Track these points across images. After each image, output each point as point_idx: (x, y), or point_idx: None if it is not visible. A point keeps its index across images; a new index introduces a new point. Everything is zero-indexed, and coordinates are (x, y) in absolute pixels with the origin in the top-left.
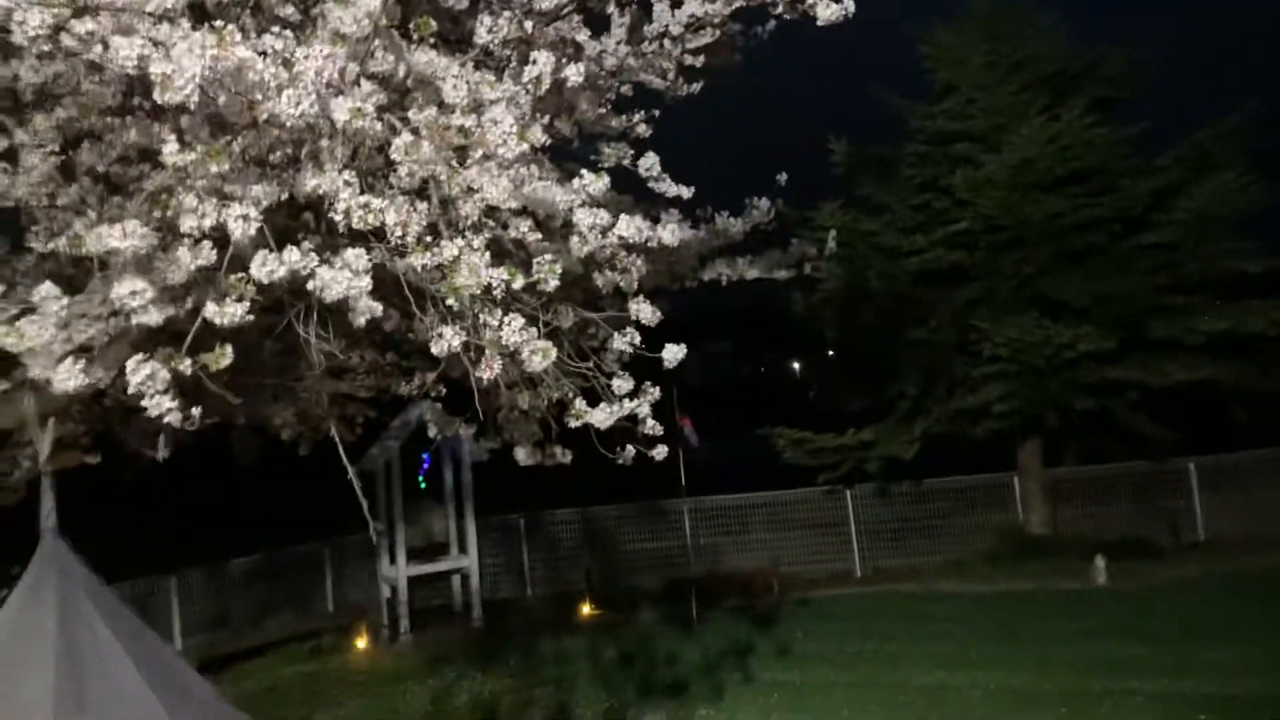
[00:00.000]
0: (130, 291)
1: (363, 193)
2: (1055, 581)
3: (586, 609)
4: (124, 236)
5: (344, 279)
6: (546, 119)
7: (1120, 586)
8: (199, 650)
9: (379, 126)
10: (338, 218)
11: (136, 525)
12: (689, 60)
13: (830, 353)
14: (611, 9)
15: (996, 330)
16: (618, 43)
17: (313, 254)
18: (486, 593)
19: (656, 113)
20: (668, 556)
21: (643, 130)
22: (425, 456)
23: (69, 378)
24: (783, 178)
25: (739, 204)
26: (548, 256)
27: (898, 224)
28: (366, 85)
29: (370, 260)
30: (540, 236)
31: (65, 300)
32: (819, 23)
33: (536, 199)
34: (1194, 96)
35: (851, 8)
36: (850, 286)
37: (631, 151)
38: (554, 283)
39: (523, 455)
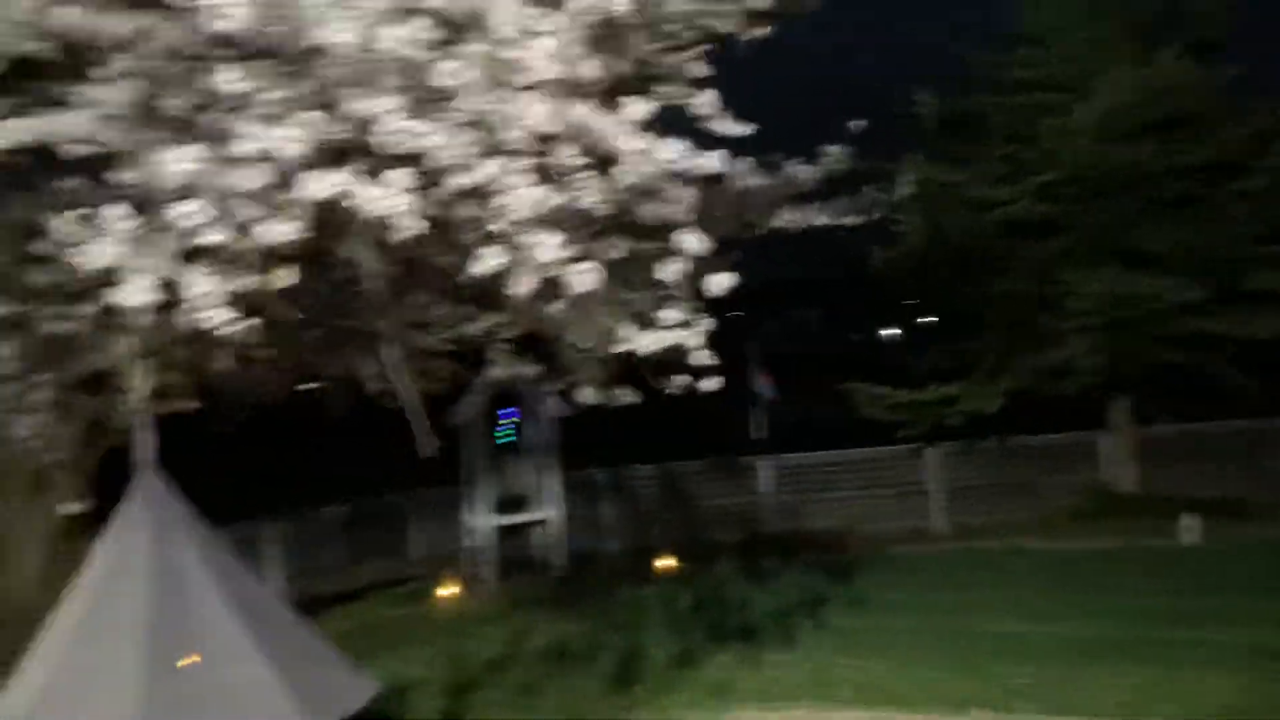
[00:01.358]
0: (189, 211)
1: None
2: (1141, 539)
3: (665, 562)
4: (179, 160)
5: (385, 195)
6: (605, 56)
7: (1209, 545)
8: (297, 593)
9: (425, 55)
10: (381, 140)
11: (238, 473)
12: (754, 3)
13: (917, 315)
14: None
15: (1082, 283)
16: None
17: (362, 176)
18: (568, 545)
19: (709, 47)
20: (746, 512)
21: (699, 70)
22: (510, 411)
23: (137, 293)
24: (855, 125)
25: (811, 153)
26: (583, 175)
27: (983, 176)
28: (420, 20)
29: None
30: (585, 162)
31: (132, 221)
32: None
33: (578, 124)
34: None
35: None
36: (931, 240)
37: (690, 91)
38: (589, 200)
39: (588, 395)
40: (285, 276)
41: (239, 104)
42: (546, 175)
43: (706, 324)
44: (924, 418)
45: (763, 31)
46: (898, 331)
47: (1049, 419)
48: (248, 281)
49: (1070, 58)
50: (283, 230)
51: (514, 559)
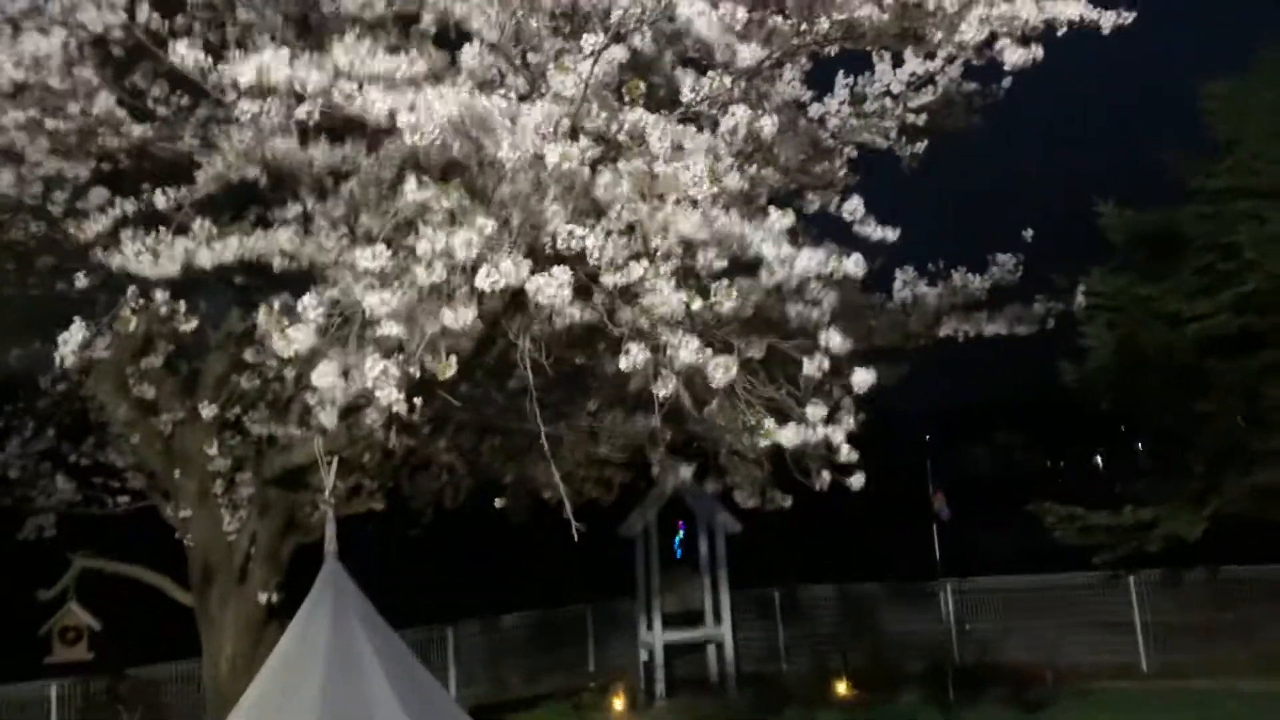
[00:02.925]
0: (379, 300)
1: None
2: None
3: (842, 688)
4: (373, 258)
5: (552, 285)
6: (753, 168)
7: None
8: (471, 698)
9: (585, 170)
10: (546, 240)
11: (421, 578)
12: (911, 119)
13: (1117, 438)
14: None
15: None
16: (840, 103)
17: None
18: (740, 664)
19: (854, 154)
20: (927, 639)
21: (846, 176)
22: (681, 524)
23: (327, 375)
24: (1028, 234)
25: (982, 263)
26: (724, 281)
27: (1179, 289)
28: (584, 140)
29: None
30: (725, 264)
31: (320, 306)
32: (1006, 67)
33: (725, 233)
34: None
35: (1040, 53)
36: (1123, 355)
37: (837, 197)
38: (730, 305)
39: (742, 497)
40: (449, 368)
41: (421, 212)
42: (690, 277)
43: (849, 421)
44: (1120, 542)
45: (920, 146)
46: (1098, 456)
47: (1262, 548)
48: (415, 369)
49: (1270, 164)
50: (458, 316)
51: (686, 676)
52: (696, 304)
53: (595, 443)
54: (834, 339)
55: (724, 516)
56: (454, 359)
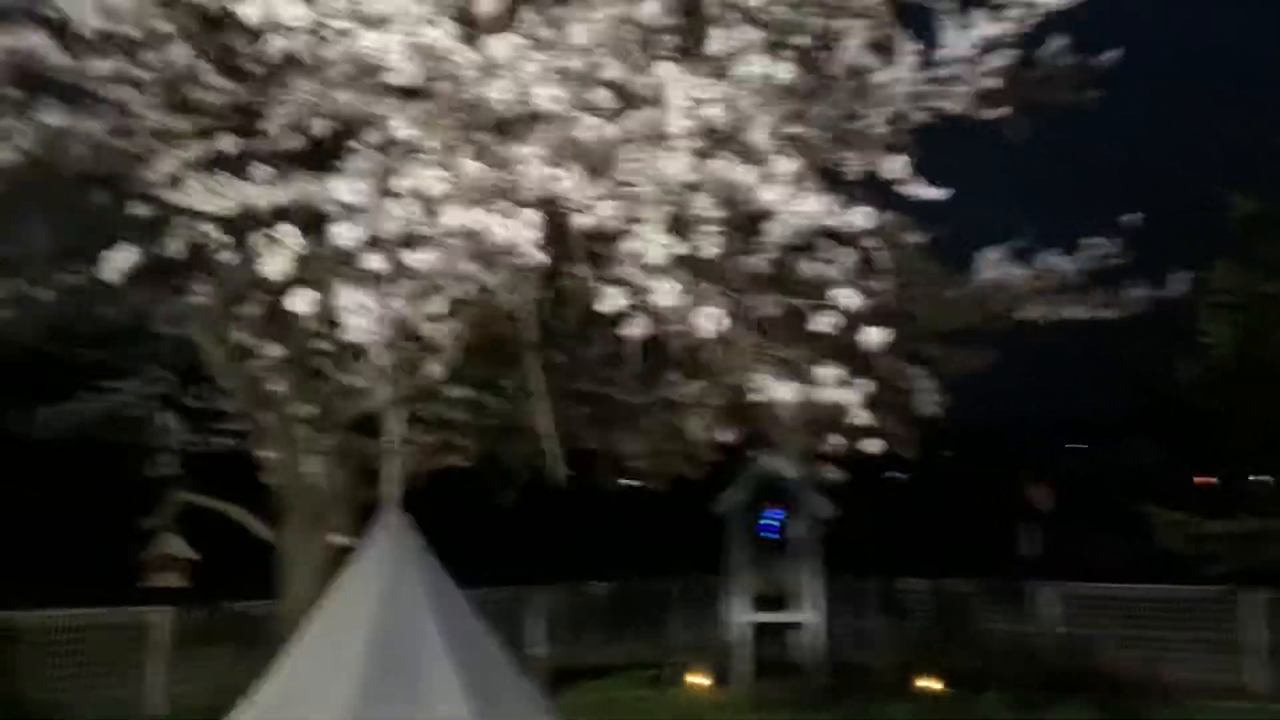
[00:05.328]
0: (347, 229)
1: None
2: None
3: (929, 682)
4: (350, 193)
5: (513, 227)
6: (795, 127)
7: None
8: (553, 660)
9: (574, 114)
10: (523, 181)
11: (514, 543)
12: (984, 84)
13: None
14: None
15: None
16: (908, 69)
17: (495, 213)
18: (828, 652)
19: (898, 112)
20: (1023, 641)
21: (893, 134)
22: (775, 510)
23: (301, 302)
24: (1134, 218)
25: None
26: (710, 227)
27: None
28: (602, 91)
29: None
30: (722, 214)
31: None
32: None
33: (718, 177)
34: None
35: None
36: (1244, 355)
37: (884, 160)
38: (713, 251)
39: (787, 464)
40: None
41: (409, 148)
42: (680, 225)
43: (866, 385)
44: (1233, 553)
45: (995, 113)
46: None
47: None
48: (398, 302)
49: None
50: (423, 258)
51: (771, 659)
52: (681, 248)
53: (679, 415)
54: (846, 296)
55: (818, 500)
56: (429, 294)
